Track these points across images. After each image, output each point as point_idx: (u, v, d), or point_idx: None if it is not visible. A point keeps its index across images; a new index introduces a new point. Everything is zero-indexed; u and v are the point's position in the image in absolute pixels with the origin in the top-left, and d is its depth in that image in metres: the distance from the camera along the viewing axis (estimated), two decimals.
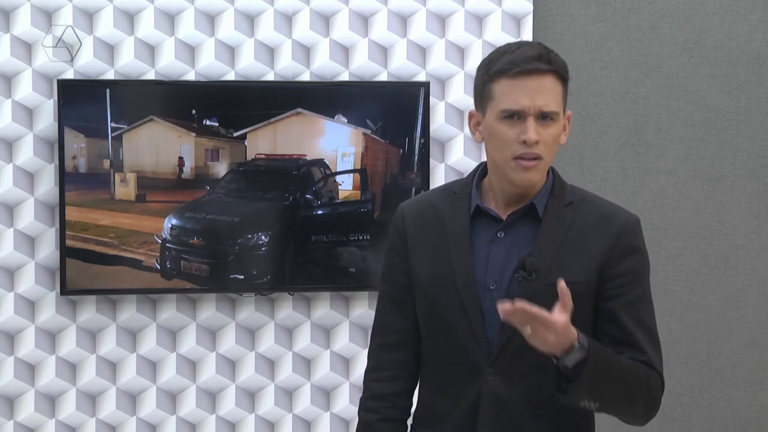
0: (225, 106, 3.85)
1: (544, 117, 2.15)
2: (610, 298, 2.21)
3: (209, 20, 3.87)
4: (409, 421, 2.38)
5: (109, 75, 3.81)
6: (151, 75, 3.83)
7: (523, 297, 2.17)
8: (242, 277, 3.86)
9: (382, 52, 3.93)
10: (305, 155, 3.88)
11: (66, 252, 3.76)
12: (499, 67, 2.16)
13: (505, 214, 2.24)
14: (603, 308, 2.22)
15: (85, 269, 3.79)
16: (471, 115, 2.25)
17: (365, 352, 3.89)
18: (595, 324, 2.24)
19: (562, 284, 2.04)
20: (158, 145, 3.82)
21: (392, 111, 3.88)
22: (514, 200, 2.24)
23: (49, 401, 3.85)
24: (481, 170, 2.30)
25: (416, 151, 3.90)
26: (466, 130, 3.94)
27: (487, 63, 2.20)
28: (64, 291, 3.78)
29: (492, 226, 2.24)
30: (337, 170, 3.90)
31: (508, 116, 2.15)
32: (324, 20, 3.91)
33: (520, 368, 2.18)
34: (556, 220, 2.22)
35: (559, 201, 2.24)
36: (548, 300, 2.16)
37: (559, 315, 2.04)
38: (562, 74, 2.18)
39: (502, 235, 2.23)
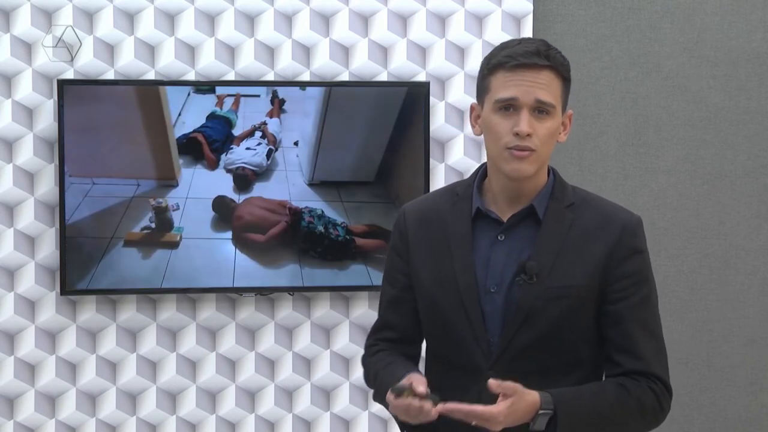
0: None
1: (540, 111, 2.16)
2: (613, 301, 2.20)
3: (209, 20, 3.87)
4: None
5: (109, 75, 3.81)
6: (151, 75, 3.83)
7: (524, 300, 2.18)
8: None
9: (382, 52, 3.93)
10: None
11: (66, 252, 3.76)
12: (497, 60, 2.18)
13: (505, 217, 2.23)
14: (606, 312, 2.21)
15: (85, 269, 3.78)
16: (472, 108, 2.27)
17: None
18: (599, 328, 2.23)
19: (492, 383, 2.06)
20: None
21: (392, 111, 3.88)
22: (513, 199, 2.24)
23: (49, 401, 3.85)
24: (483, 171, 2.30)
25: (416, 151, 3.89)
26: (466, 130, 3.94)
27: (488, 57, 2.22)
28: (64, 291, 3.78)
29: (493, 228, 2.24)
30: None
31: (503, 108, 2.16)
32: (324, 20, 3.91)
33: (521, 371, 2.17)
34: (556, 222, 2.21)
35: (559, 203, 2.23)
36: (548, 303, 2.17)
37: (496, 407, 2.06)
38: (561, 71, 2.18)
39: (503, 237, 2.22)
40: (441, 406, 2.07)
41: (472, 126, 2.26)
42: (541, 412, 2.10)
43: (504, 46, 2.20)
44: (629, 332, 2.20)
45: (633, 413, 2.19)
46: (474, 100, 2.27)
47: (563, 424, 2.10)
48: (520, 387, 2.08)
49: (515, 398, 2.07)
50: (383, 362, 2.32)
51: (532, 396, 2.09)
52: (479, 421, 2.07)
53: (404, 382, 2.13)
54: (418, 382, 2.11)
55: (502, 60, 2.17)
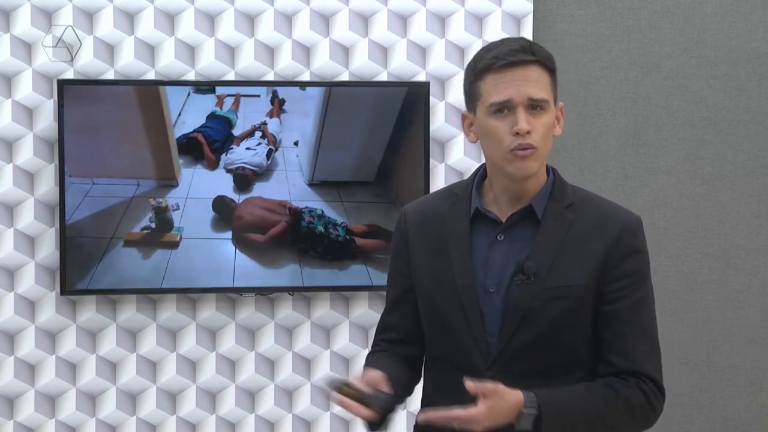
0: None
1: (534, 107, 2.16)
2: (610, 301, 2.20)
3: (209, 20, 3.87)
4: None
5: (109, 75, 3.82)
6: (151, 75, 3.83)
7: (522, 300, 2.17)
8: None
9: (382, 52, 3.93)
10: None
11: (66, 252, 3.76)
12: (484, 63, 2.18)
13: (505, 217, 2.23)
14: (603, 312, 2.21)
15: (85, 269, 3.79)
16: (464, 117, 2.26)
17: (365, 352, 3.90)
18: (595, 328, 2.23)
19: (469, 384, 2.05)
20: None
21: (392, 111, 3.88)
22: (514, 200, 2.23)
23: (49, 401, 3.85)
24: (482, 172, 2.29)
25: (416, 151, 3.89)
26: None
27: (473, 63, 2.22)
28: (64, 291, 3.78)
29: (492, 228, 2.24)
30: None
31: (498, 110, 2.16)
32: (324, 20, 3.91)
33: (519, 371, 2.17)
34: (555, 222, 2.21)
35: (558, 203, 2.23)
36: (547, 303, 2.16)
37: (476, 408, 2.05)
38: (547, 64, 2.19)
39: (502, 237, 2.22)
40: (422, 416, 2.09)
41: (467, 134, 2.25)
42: (524, 410, 2.09)
43: (487, 49, 2.20)
44: (623, 332, 2.19)
45: (621, 414, 2.18)
46: None
47: (548, 425, 2.09)
48: (501, 387, 2.07)
49: (496, 399, 2.06)
50: (376, 364, 2.32)
51: (515, 396, 2.08)
52: (460, 423, 2.07)
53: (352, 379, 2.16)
54: (362, 379, 2.15)
55: (489, 62, 2.16)
